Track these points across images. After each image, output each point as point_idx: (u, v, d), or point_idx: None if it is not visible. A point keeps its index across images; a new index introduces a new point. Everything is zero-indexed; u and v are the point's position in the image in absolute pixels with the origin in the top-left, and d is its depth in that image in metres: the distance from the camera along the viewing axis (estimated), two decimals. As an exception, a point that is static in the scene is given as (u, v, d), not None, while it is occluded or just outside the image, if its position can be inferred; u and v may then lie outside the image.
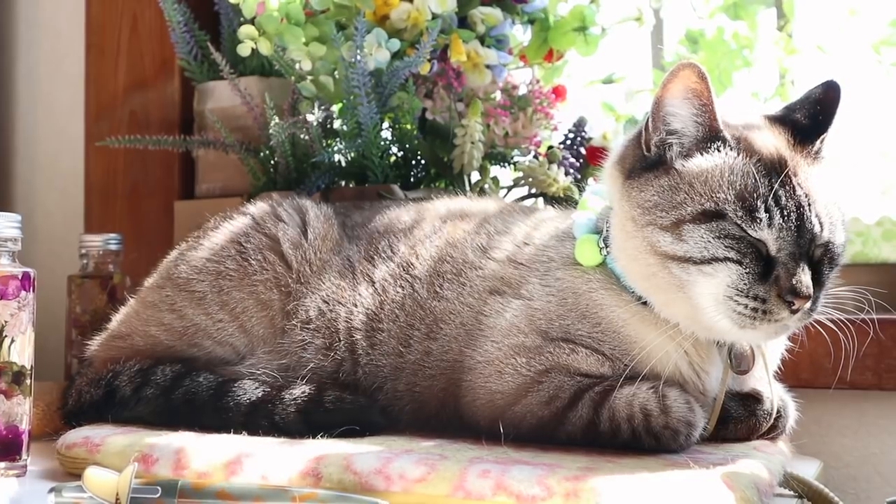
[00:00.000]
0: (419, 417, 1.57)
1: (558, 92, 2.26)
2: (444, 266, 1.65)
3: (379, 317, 1.62)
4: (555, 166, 2.11)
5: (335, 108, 2.16)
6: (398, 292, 1.63)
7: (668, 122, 1.40)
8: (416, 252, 1.67)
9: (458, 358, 1.55)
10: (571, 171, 2.16)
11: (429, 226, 1.73)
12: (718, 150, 1.39)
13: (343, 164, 2.13)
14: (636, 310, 1.47)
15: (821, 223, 1.40)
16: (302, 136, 2.13)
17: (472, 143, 2.08)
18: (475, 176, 2.19)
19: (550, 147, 2.20)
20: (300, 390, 1.51)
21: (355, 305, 1.64)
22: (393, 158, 2.16)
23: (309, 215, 1.74)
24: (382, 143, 2.09)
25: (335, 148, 2.08)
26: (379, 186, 2.06)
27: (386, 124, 2.15)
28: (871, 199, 2.58)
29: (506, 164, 2.23)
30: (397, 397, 1.59)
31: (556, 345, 1.47)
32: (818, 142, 1.49)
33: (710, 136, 1.40)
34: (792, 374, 1.76)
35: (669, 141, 1.41)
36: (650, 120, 1.42)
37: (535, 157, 2.19)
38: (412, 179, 2.18)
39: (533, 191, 2.15)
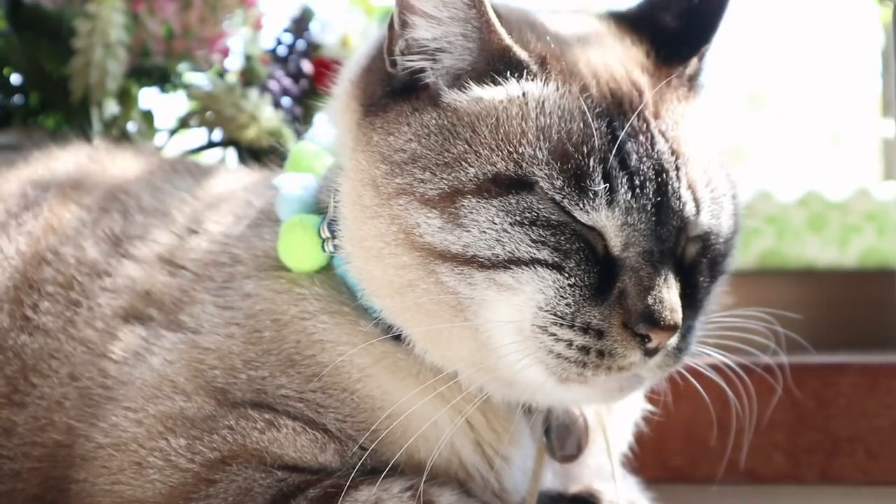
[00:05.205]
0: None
1: (264, -40, 2.27)
2: (40, 271, 1.63)
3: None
4: (255, 93, 2.11)
5: None
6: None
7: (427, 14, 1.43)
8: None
9: (63, 439, 1.55)
10: (286, 101, 2.18)
11: (14, 198, 1.72)
12: (524, 77, 1.42)
13: None
14: (383, 350, 1.49)
15: (697, 200, 1.43)
16: None
17: (106, 46, 2.04)
18: (111, 108, 2.16)
19: (249, 59, 2.23)
20: None
21: None
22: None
23: None
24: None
25: None
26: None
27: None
28: (791, 163, 2.70)
29: (168, 88, 2.23)
30: (-53, 515, 1.59)
31: (240, 413, 1.48)
32: (695, 59, 1.53)
33: (499, 57, 1.42)
34: (654, 460, 1.80)
35: (429, 50, 1.43)
36: (396, 8, 1.44)
37: (221, 75, 2.21)
38: (-7, 112, 2.14)
39: (216, 136, 2.17)
